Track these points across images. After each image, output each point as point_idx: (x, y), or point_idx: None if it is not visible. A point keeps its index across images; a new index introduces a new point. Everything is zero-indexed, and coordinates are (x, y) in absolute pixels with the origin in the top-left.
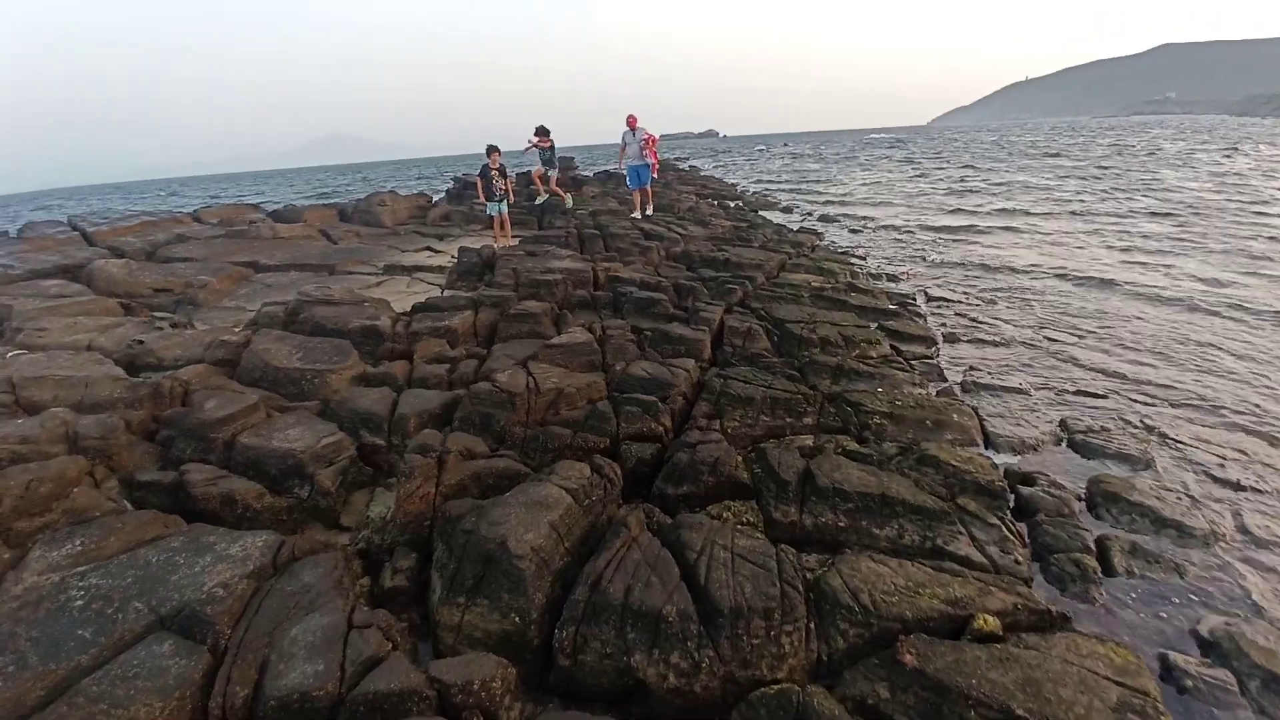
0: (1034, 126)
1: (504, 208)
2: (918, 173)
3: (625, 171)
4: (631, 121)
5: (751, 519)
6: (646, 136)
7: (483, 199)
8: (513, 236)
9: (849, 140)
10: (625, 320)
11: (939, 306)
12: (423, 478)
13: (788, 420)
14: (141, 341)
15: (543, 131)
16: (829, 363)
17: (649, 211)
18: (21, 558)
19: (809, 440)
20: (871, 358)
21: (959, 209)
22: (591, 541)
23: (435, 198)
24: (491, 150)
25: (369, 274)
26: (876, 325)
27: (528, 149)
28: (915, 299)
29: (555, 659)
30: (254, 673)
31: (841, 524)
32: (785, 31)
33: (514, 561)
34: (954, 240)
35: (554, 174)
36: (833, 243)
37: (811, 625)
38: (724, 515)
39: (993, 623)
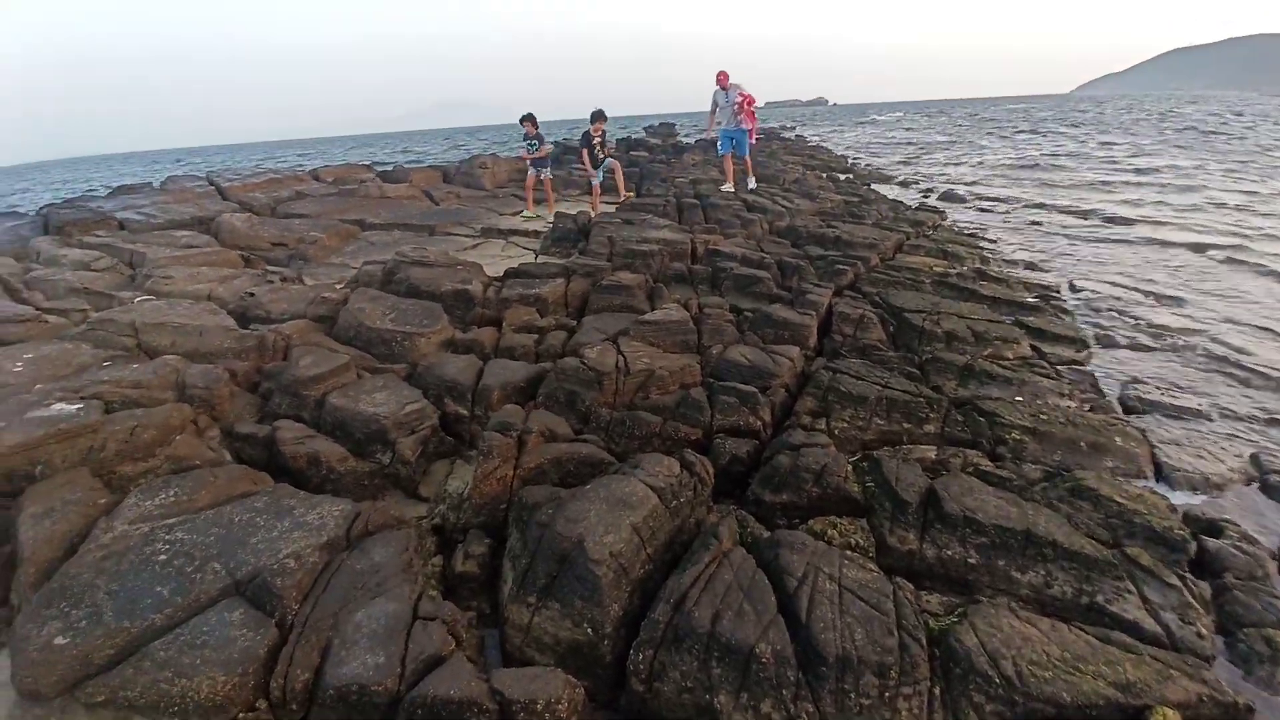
0: (1197, 99)
1: (604, 175)
2: (1059, 147)
3: (717, 136)
4: (722, 79)
5: (861, 541)
6: (741, 96)
7: (586, 166)
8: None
9: (976, 110)
10: (724, 298)
11: (1089, 301)
12: (501, 458)
13: (905, 426)
14: (253, 294)
15: (529, 119)
16: (956, 362)
17: (751, 185)
18: (118, 504)
19: (931, 453)
20: (1007, 359)
21: (1110, 189)
22: (677, 548)
23: None
24: (596, 117)
25: (466, 236)
26: (1013, 320)
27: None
28: (1059, 291)
29: (628, 681)
30: (316, 656)
31: (972, 560)
32: None
33: (590, 566)
34: (1104, 225)
35: (546, 174)
36: (957, 223)
37: (937, 691)
38: (829, 534)
39: (1173, 717)
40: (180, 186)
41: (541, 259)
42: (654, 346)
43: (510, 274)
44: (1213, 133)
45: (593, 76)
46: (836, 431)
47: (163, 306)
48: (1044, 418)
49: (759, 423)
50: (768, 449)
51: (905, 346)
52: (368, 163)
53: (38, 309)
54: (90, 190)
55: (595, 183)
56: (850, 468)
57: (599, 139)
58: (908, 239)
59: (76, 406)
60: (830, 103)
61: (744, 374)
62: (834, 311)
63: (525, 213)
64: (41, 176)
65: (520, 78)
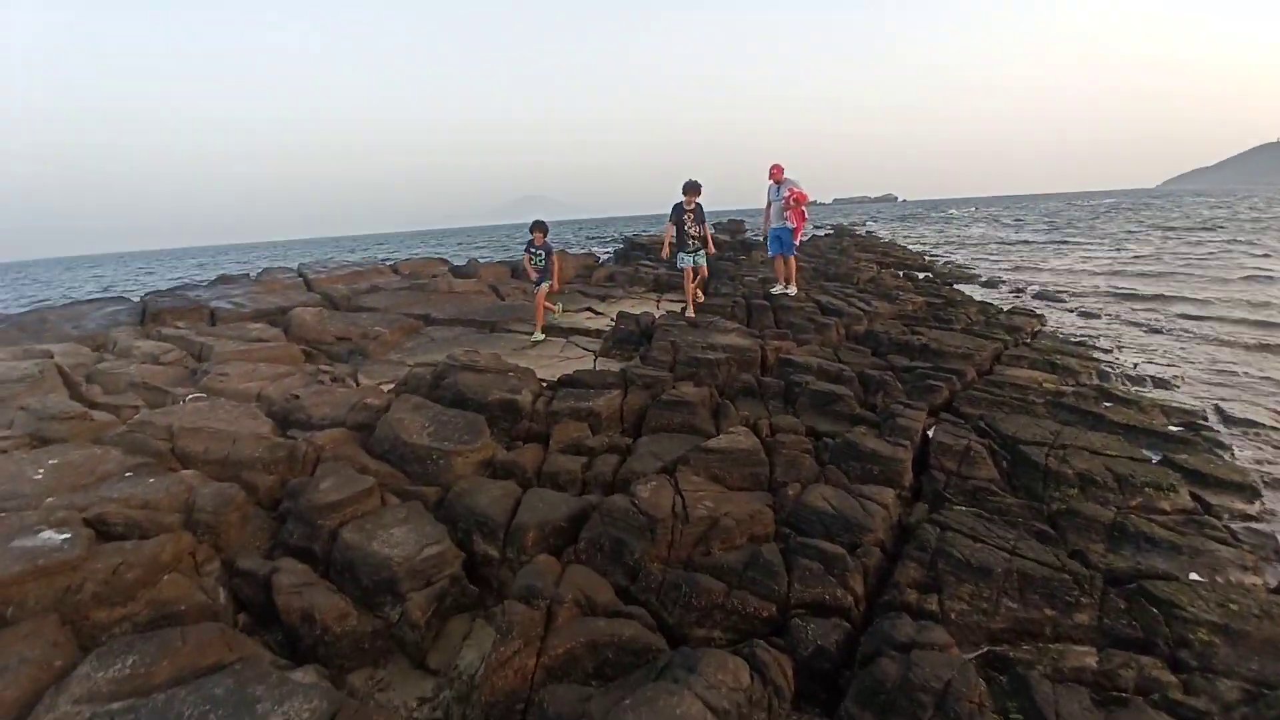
0: None
1: (701, 259)
2: (1171, 241)
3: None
4: (776, 173)
5: None
6: (790, 192)
7: (665, 246)
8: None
9: (1057, 204)
10: (799, 417)
11: (1246, 433)
12: (522, 639)
13: (1048, 614)
14: (298, 396)
15: (539, 226)
16: (1100, 518)
17: (790, 290)
18: (74, 668)
19: (1090, 658)
20: (1164, 513)
21: (1239, 288)
22: None
23: (602, 257)
24: (689, 189)
25: (527, 333)
26: (1160, 459)
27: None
28: (1205, 417)
29: None
30: None
31: None
32: (970, 79)
33: None
34: (1245, 334)
35: (545, 285)
36: (1059, 329)
37: None
38: None
39: None
40: (272, 278)
41: (600, 362)
42: (718, 481)
43: (563, 382)
44: None
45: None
46: (953, 615)
47: (203, 409)
48: (1235, 608)
49: (849, 597)
50: (863, 639)
51: (1025, 489)
52: (444, 256)
53: (93, 404)
54: (196, 279)
55: (685, 267)
56: (984, 688)
57: (691, 213)
58: (1005, 348)
59: (64, 537)
60: (899, 199)
61: (827, 525)
62: (930, 440)
63: (536, 335)
64: (176, 263)
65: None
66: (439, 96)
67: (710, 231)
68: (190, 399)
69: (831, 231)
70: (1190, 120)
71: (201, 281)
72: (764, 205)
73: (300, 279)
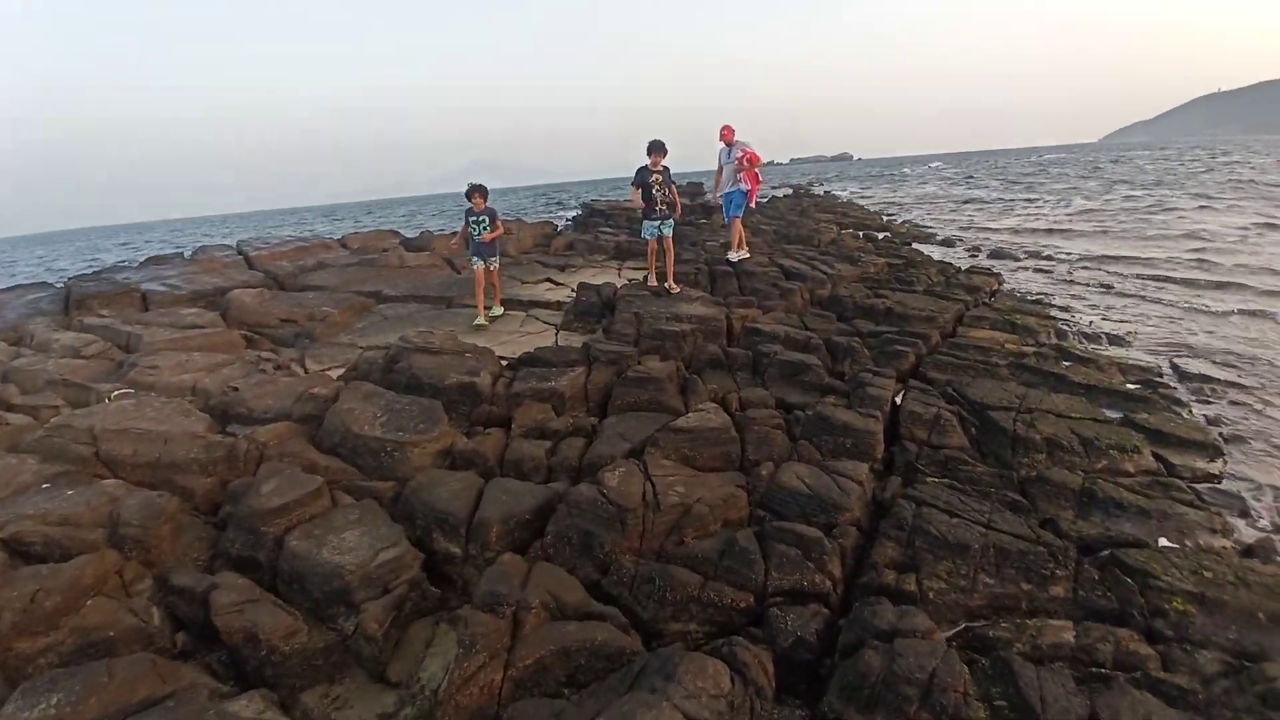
0: (1246, 145)
1: (667, 229)
2: (1114, 198)
3: (721, 201)
4: (727, 134)
5: None
6: (743, 153)
7: (634, 204)
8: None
9: (1009, 160)
10: (768, 389)
11: (1202, 389)
12: (487, 652)
13: (1025, 588)
14: (236, 388)
15: (478, 190)
16: (1069, 483)
17: (740, 255)
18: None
19: (1067, 633)
20: (1128, 475)
21: (1189, 242)
22: None
23: (560, 225)
24: (654, 149)
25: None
26: (1122, 419)
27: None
28: (1161, 374)
29: None
30: None
31: None
32: (921, 39)
33: None
34: (1196, 289)
35: (495, 264)
36: (1016, 288)
37: None
38: None
39: None
40: (209, 256)
41: (563, 335)
42: (688, 462)
43: (524, 361)
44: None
45: (615, 136)
46: (931, 594)
47: (129, 408)
48: (1208, 576)
49: (827, 582)
50: (844, 628)
51: (994, 456)
52: (395, 229)
53: (9, 405)
54: (123, 261)
55: (650, 238)
56: (968, 676)
57: (658, 174)
58: (966, 309)
59: None
60: (855, 157)
61: (803, 505)
62: (900, 409)
63: (478, 320)
64: (109, 239)
65: (548, 141)
66: (381, 59)
67: (677, 193)
68: (116, 395)
69: (790, 192)
70: (1130, 74)
71: (128, 263)
72: (715, 168)
73: (240, 257)
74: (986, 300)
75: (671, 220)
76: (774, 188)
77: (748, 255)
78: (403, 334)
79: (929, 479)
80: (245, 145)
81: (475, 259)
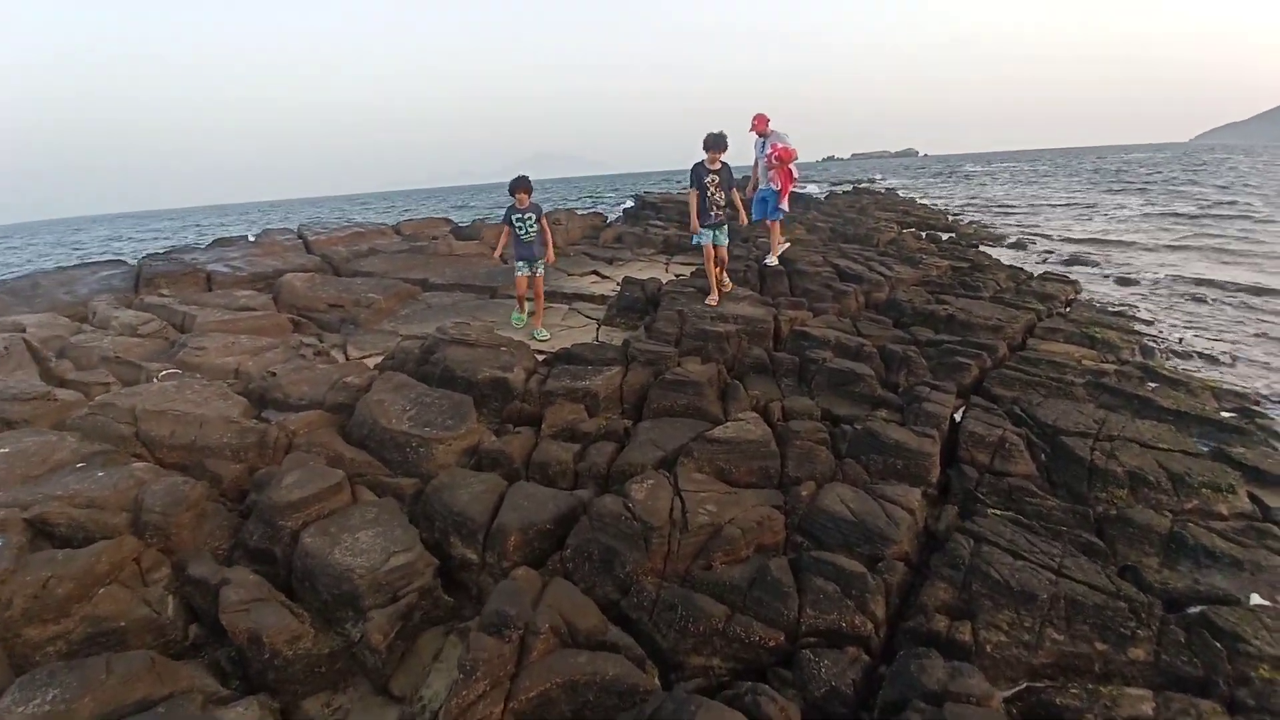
0: None
1: (723, 236)
2: (1210, 204)
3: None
4: (759, 124)
5: None
6: (773, 149)
7: (693, 218)
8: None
9: (1088, 160)
10: (814, 399)
11: None
12: (489, 679)
13: (1099, 648)
14: (274, 374)
15: (521, 184)
16: (1154, 526)
17: (771, 261)
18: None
19: (1146, 704)
20: (1221, 518)
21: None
22: None
23: (611, 217)
24: (713, 144)
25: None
26: (1212, 451)
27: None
28: (1258, 401)
29: None
30: None
31: None
32: (997, 30)
33: None
34: None
35: (540, 271)
36: (1095, 297)
37: None
38: None
39: None
40: (271, 239)
41: (604, 331)
42: (723, 476)
43: (560, 358)
44: None
45: (675, 129)
46: (989, 647)
47: (169, 390)
48: None
49: (869, 625)
50: (886, 682)
51: (1067, 488)
52: (448, 216)
53: (62, 381)
54: (193, 241)
55: (704, 243)
56: None
57: (715, 174)
58: (1038, 319)
59: None
60: (920, 154)
61: (845, 534)
62: (960, 428)
63: (517, 316)
64: (196, 219)
65: (609, 127)
66: (451, 50)
67: (740, 197)
68: (163, 376)
69: (850, 189)
70: (1225, 74)
71: (197, 244)
72: (753, 162)
73: (299, 240)
74: (1061, 310)
75: (726, 227)
76: (834, 184)
77: (775, 261)
78: (440, 325)
79: (990, 511)
80: (299, 134)
81: (520, 264)
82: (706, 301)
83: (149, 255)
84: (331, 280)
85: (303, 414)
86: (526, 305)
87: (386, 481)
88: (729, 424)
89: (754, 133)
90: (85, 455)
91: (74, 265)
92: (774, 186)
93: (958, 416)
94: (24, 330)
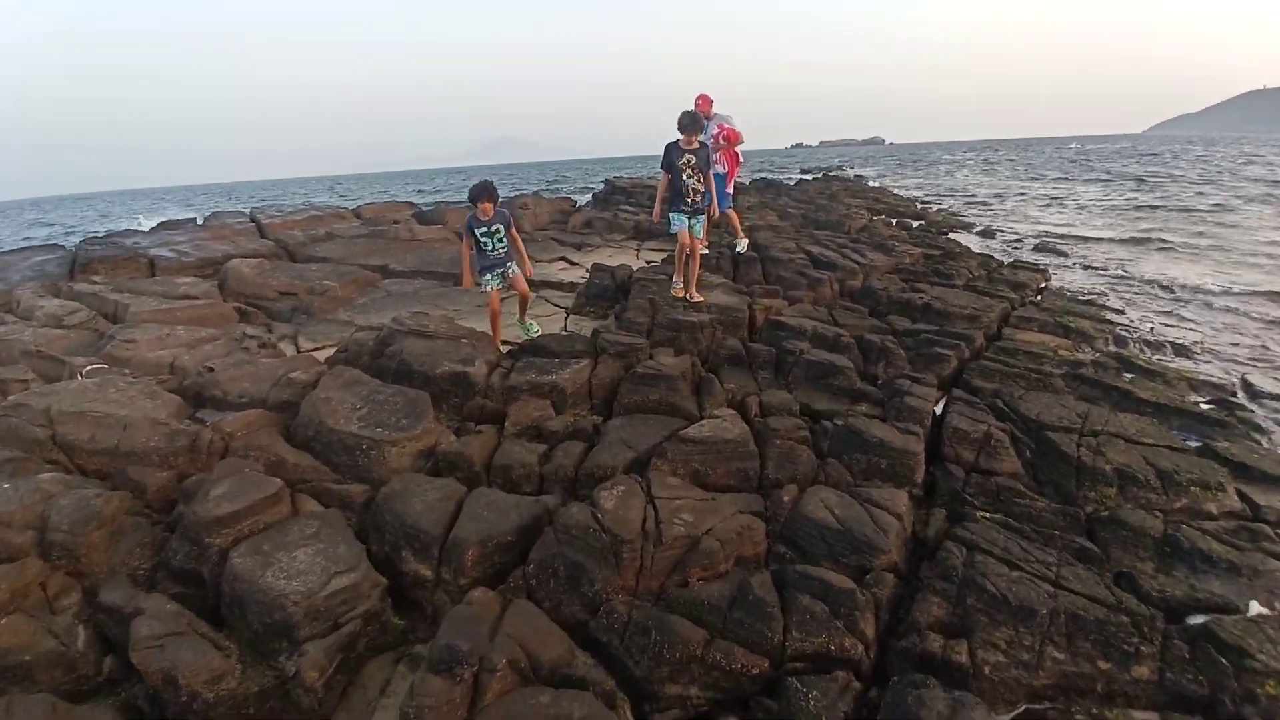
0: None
1: (698, 225)
2: (1166, 195)
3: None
4: (703, 105)
5: None
6: (720, 129)
7: (659, 208)
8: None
9: (1049, 149)
10: (792, 392)
11: (1279, 411)
12: None
13: (1101, 667)
14: (212, 369)
15: (485, 190)
16: (1147, 528)
17: (741, 247)
18: None
19: None
20: (1212, 517)
21: (1243, 244)
22: None
23: (580, 201)
24: (688, 125)
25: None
26: (1200, 446)
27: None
28: (1235, 392)
29: None
30: None
31: None
32: (960, 20)
33: None
34: (1262, 300)
35: (513, 269)
36: (1065, 285)
37: None
38: None
39: None
40: (221, 222)
41: (572, 320)
42: (699, 478)
43: (525, 350)
44: None
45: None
46: (987, 669)
47: (89, 389)
48: None
49: (859, 645)
50: (882, 714)
51: (1054, 486)
52: (410, 200)
53: None
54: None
55: (680, 229)
56: None
57: (691, 158)
58: (1012, 307)
59: None
60: (887, 141)
61: (831, 542)
62: (943, 424)
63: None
64: (131, 205)
65: (568, 112)
66: (404, 33)
67: (712, 174)
68: (88, 371)
69: (820, 176)
70: (1177, 66)
71: (142, 228)
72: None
73: (253, 224)
74: (1034, 299)
75: (703, 216)
76: (803, 171)
77: (745, 245)
78: (396, 315)
79: (980, 514)
80: (265, 115)
81: (488, 276)
82: (673, 292)
83: (87, 239)
84: (284, 266)
85: (242, 414)
86: (502, 323)
87: (333, 489)
88: (705, 422)
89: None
90: None
91: (6, 250)
92: (720, 170)
93: (938, 409)
94: None
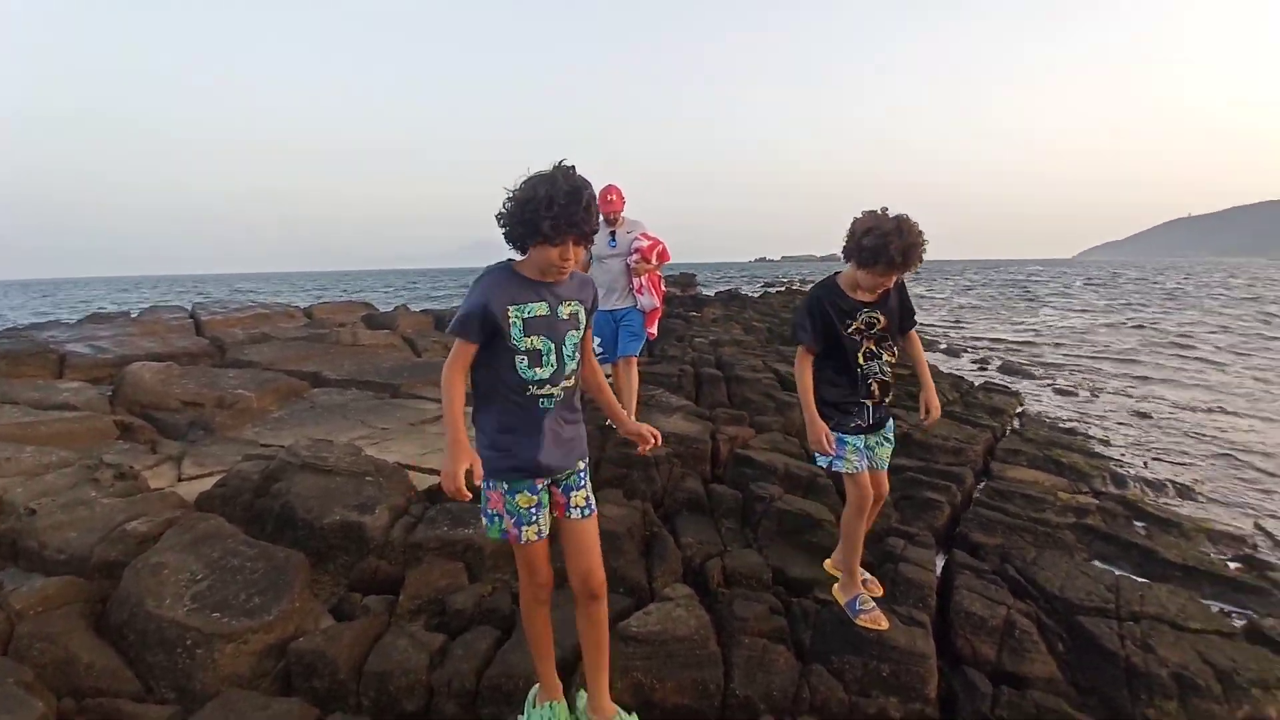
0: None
1: (886, 449)
2: (1122, 318)
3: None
4: (614, 203)
5: None
6: (644, 242)
7: (815, 420)
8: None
9: (991, 272)
10: (762, 550)
11: None
12: None
13: None
14: (34, 511)
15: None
16: None
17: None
18: None
19: None
20: None
21: (1194, 365)
22: None
23: None
24: (882, 252)
25: (433, 400)
26: (1246, 627)
27: None
28: (1256, 544)
29: None
30: None
31: None
32: (908, 152)
33: None
34: (1238, 423)
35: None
36: (1042, 411)
37: None
38: None
39: None
40: (156, 317)
41: None
42: (641, 694)
43: (441, 495)
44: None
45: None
46: None
47: None
48: None
49: None
50: None
51: (1098, 695)
52: (368, 301)
53: None
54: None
55: (857, 471)
56: None
57: (872, 316)
58: (995, 437)
59: None
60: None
61: None
62: (954, 608)
63: None
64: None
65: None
66: (390, 134)
67: (654, 273)
68: None
69: (784, 290)
70: (1103, 194)
71: (68, 319)
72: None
73: (190, 319)
74: (1014, 427)
75: (891, 423)
76: (766, 285)
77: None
78: (293, 441)
79: None
80: (238, 202)
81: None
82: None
83: (2, 331)
84: (196, 372)
85: (48, 581)
86: None
87: (126, 711)
88: (652, 608)
89: (603, 216)
90: None
91: None
92: (644, 303)
93: (946, 583)
94: None
